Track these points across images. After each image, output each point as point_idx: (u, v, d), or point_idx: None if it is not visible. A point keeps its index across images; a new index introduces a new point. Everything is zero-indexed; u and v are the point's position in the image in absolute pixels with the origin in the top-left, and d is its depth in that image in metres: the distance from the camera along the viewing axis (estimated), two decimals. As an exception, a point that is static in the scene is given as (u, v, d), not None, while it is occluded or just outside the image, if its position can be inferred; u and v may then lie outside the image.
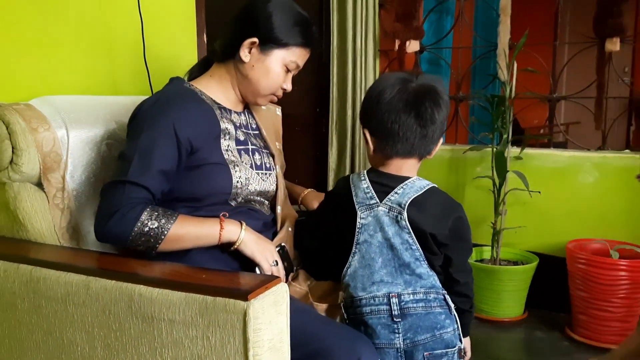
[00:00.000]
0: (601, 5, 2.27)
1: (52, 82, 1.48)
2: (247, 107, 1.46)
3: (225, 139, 1.29)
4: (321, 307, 1.32)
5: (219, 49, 1.36)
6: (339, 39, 2.63)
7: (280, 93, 1.38)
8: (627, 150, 2.38)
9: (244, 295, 0.90)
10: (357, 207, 1.21)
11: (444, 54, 3.01)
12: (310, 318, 1.20)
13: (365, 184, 1.23)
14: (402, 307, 1.17)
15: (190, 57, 1.91)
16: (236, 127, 1.35)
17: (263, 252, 1.25)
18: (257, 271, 1.24)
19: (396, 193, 1.20)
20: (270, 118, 1.53)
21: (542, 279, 2.40)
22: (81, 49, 1.57)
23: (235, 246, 1.22)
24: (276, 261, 1.27)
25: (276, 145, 1.50)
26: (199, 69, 1.41)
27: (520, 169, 2.38)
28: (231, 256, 1.25)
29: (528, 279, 2.39)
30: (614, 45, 2.25)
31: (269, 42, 1.29)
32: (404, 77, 1.20)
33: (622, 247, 2.20)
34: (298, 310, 1.18)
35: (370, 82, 2.64)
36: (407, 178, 1.22)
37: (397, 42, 2.70)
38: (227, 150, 1.28)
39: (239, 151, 1.31)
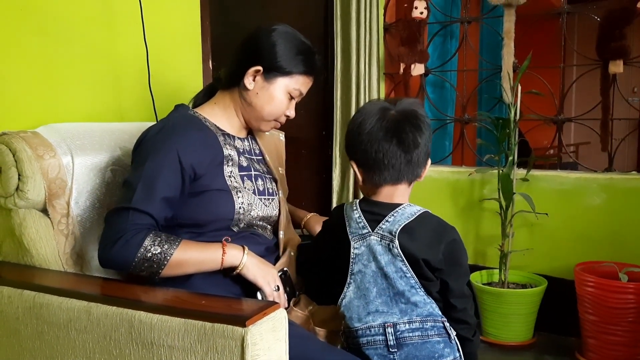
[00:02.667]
0: (603, 28, 2.28)
1: (59, 109, 1.52)
2: (251, 132, 1.48)
3: (228, 165, 1.30)
4: (322, 333, 1.31)
5: (223, 76, 1.39)
6: (343, 63, 2.66)
7: (283, 120, 1.40)
8: (634, 172, 2.37)
9: (242, 321, 0.91)
10: (350, 237, 1.21)
11: (449, 77, 3.03)
12: (310, 344, 1.20)
13: (357, 213, 1.23)
14: (397, 337, 1.15)
15: (195, 83, 1.94)
16: (239, 153, 1.37)
17: (265, 276, 1.25)
18: (259, 296, 1.24)
19: (387, 221, 1.19)
20: (274, 143, 1.55)
21: (551, 302, 2.37)
22: (88, 76, 1.60)
23: (238, 271, 1.22)
24: (278, 286, 1.27)
25: (279, 171, 1.51)
26: (203, 96, 1.44)
27: (527, 191, 2.37)
28: (233, 281, 1.26)
29: (537, 302, 2.36)
30: (617, 67, 2.26)
31: (273, 70, 1.32)
32: (382, 105, 1.21)
33: (631, 270, 2.17)
34: (298, 336, 1.18)
35: (375, 105, 2.66)
36: (398, 205, 1.21)
37: (402, 66, 2.72)
38: (230, 176, 1.29)
39: (241, 177, 1.33)
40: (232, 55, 1.37)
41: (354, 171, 1.24)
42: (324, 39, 2.72)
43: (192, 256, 1.18)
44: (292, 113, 1.40)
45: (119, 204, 1.17)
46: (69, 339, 1.05)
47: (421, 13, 2.67)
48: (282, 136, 1.61)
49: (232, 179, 1.30)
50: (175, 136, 1.23)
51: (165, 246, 1.14)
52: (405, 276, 1.17)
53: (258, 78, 1.33)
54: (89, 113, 1.59)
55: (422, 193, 2.80)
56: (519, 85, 2.37)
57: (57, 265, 1.24)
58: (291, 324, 1.26)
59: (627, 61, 2.28)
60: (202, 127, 1.31)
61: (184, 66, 1.89)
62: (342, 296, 1.22)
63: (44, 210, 1.25)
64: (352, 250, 1.20)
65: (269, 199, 1.38)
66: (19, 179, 1.21)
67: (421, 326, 1.16)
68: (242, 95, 1.36)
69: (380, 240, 1.19)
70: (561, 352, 2.32)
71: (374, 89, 2.66)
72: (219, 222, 1.27)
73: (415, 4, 2.67)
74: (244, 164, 1.36)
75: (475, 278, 2.46)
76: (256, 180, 1.36)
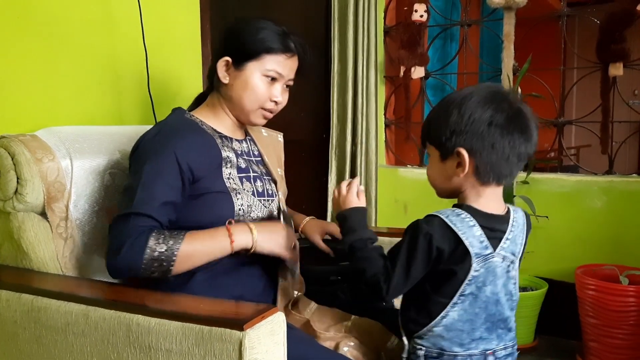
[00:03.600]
0: (604, 31, 2.28)
1: (58, 112, 1.52)
2: (248, 134, 1.47)
3: (226, 167, 1.30)
4: (323, 336, 1.31)
5: (208, 78, 1.40)
6: (340, 65, 2.67)
7: (270, 106, 1.34)
8: (634, 175, 2.37)
9: (240, 324, 0.90)
10: (473, 258, 1.04)
11: (449, 80, 3.03)
12: (309, 348, 1.20)
13: (478, 230, 1.05)
14: None
15: (195, 87, 1.94)
16: (237, 155, 1.36)
17: (281, 245, 1.26)
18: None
19: (507, 239, 1.08)
20: (272, 144, 1.54)
21: (552, 305, 2.37)
22: (87, 80, 1.60)
23: (252, 251, 1.22)
24: (294, 244, 1.32)
25: (278, 172, 1.51)
26: (199, 100, 1.43)
27: (527, 194, 2.36)
28: (234, 283, 1.26)
29: (538, 305, 2.36)
30: (617, 70, 2.26)
31: (240, 57, 1.30)
32: (500, 94, 1.07)
33: (632, 273, 2.16)
34: (297, 339, 1.18)
35: (373, 108, 2.66)
36: (508, 216, 1.11)
37: (403, 69, 2.73)
38: (228, 178, 1.29)
39: (240, 179, 1.32)
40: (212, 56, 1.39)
41: (464, 165, 1.06)
42: (324, 43, 2.72)
43: (198, 248, 1.17)
44: (279, 97, 1.34)
45: (120, 212, 1.16)
46: (66, 343, 1.05)
47: (421, 16, 2.67)
48: (280, 137, 1.61)
49: (231, 180, 1.29)
50: (173, 139, 1.23)
51: (170, 242, 1.13)
52: (512, 299, 1.10)
53: (230, 70, 1.31)
54: (88, 116, 1.59)
55: (424, 196, 2.80)
56: (519, 88, 2.36)
57: (56, 269, 1.24)
58: (290, 327, 1.26)
59: (627, 64, 2.28)
60: (199, 130, 1.31)
61: (183, 69, 1.88)
62: (442, 314, 1.07)
63: (43, 214, 1.25)
64: (471, 271, 1.04)
65: (268, 200, 1.38)
66: (17, 182, 1.20)
67: (512, 351, 1.12)
68: (222, 92, 1.35)
69: (502, 262, 1.07)
70: (562, 355, 2.31)
71: (372, 92, 2.66)
72: (219, 225, 1.27)
73: (415, 7, 2.67)
74: (243, 165, 1.36)
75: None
76: (255, 181, 1.36)
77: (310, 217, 1.60)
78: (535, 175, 2.48)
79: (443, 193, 1.15)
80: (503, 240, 1.07)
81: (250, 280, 1.31)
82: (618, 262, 2.26)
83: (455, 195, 1.13)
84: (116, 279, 1.16)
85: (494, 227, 1.07)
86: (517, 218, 1.12)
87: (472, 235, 1.04)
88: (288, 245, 1.27)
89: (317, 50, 2.73)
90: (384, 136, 2.88)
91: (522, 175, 2.44)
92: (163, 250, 1.12)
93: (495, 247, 1.06)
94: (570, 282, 2.30)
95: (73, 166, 1.30)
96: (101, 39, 1.63)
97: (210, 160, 1.27)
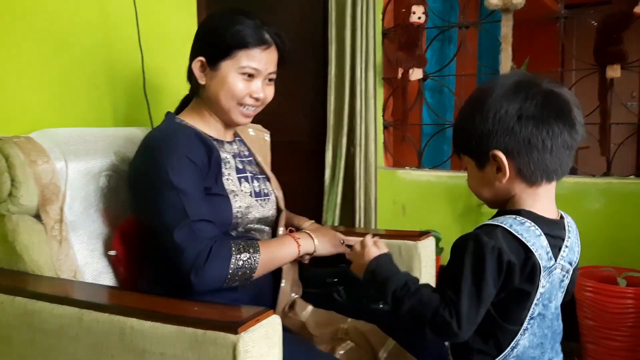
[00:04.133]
0: (601, 32, 2.28)
1: (53, 114, 1.51)
2: (237, 134, 1.46)
3: (226, 168, 1.30)
4: (319, 339, 1.30)
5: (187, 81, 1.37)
6: (337, 68, 2.66)
7: (250, 102, 1.30)
8: (632, 177, 2.36)
9: (234, 328, 0.90)
10: (542, 272, 0.93)
11: (447, 82, 3.03)
12: (305, 351, 1.19)
13: (544, 240, 0.94)
14: None
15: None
16: (233, 157, 1.36)
17: (335, 245, 1.39)
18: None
19: (566, 247, 0.98)
20: (259, 143, 1.53)
21: (550, 308, 2.36)
22: (82, 81, 1.59)
23: (312, 255, 1.35)
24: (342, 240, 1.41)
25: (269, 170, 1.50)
26: (183, 104, 1.41)
27: (525, 196, 2.35)
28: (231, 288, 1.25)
29: (535, 308, 2.35)
30: (614, 72, 2.25)
31: (214, 56, 1.26)
32: (525, 81, 0.96)
33: (630, 275, 2.16)
34: (293, 342, 1.17)
35: (372, 110, 2.66)
36: (563, 221, 1.01)
37: (401, 70, 2.72)
38: (228, 179, 1.29)
39: (239, 179, 1.32)
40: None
41: (504, 169, 0.95)
42: (322, 45, 2.72)
43: (274, 255, 1.24)
44: (259, 93, 1.29)
45: (175, 226, 1.12)
46: (60, 346, 1.04)
47: (419, 18, 2.66)
48: (267, 136, 1.60)
49: (230, 182, 1.29)
50: (178, 143, 1.21)
51: (251, 250, 1.17)
52: (560, 310, 1.02)
53: (206, 70, 1.28)
54: (83, 118, 1.58)
55: (422, 197, 2.80)
56: (517, 89, 2.36)
57: (50, 272, 1.23)
58: (286, 329, 1.25)
59: (624, 66, 2.27)
60: (195, 135, 1.29)
61: (180, 71, 1.87)
62: (512, 344, 0.96)
63: (37, 216, 1.24)
64: (539, 289, 0.93)
65: (264, 200, 1.37)
66: (11, 184, 1.20)
67: None
68: (201, 94, 1.32)
69: (560, 272, 0.98)
70: (560, 357, 2.31)
71: (371, 93, 2.66)
72: (218, 227, 1.26)
73: (414, 9, 2.66)
74: (240, 166, 1.35)
75: (474, 283, 2.44)
76: (252, 182, 1.36)
77: (311, 221, 1.58)
78: (533, 177, 2.47)
79: (493, 203, 1.03)
80: (562, 248, 0.97)
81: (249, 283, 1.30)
82: (616, 264, 2.26)
83: (506, 203, 1.00)
84: (199, 291, 1.13)
85: (556, 235, 0.97)
86: (570, 222, 1.03)
87: (540, 246, 0.92)
88: (338, 243, 1.40)
89: (314, 52, 2.72)
90: (382, 138, 2.87)
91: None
92: (246, 258, 1.16)
93: (556, 257, 0.96)
94: (569, 284, 2.29)
95: (68, 168, 1.29)
96: (97, 40, 1.63)
97: (212, 161, 1.25)
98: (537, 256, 0.92)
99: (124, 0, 1.69)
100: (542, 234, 0.94)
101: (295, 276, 1.44)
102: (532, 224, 0.94)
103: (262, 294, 1.34)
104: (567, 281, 1.00)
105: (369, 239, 1.12)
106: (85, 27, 1.60)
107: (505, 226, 0.93)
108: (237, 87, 1.27)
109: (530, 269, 0.92)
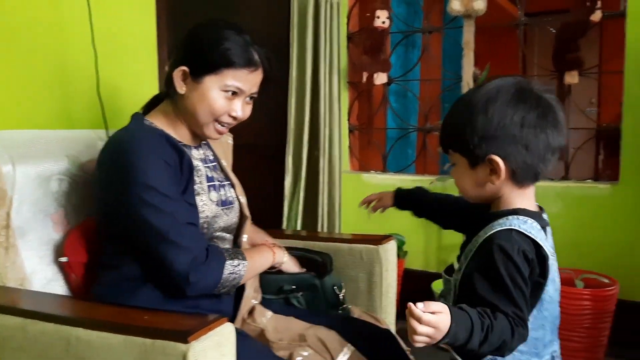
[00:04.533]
0: (559, 40, 2.33)
1: (1, 116, 1.46)
2: (201, 139, 1.43)
3: (198, 176, 1.27)
4: (277, 346, 1.29)
5: (164, 85, 1.33)
6: (298, 70, 2.65)
7: (227, 120, 1.27)
8: (589, 180, 2.42)
9: (184, 337, 0.88)
10: (550, 265, 0.99)
11: (411, 86, 3.05)
12: (263, 358, 1.18)
13: (542, 233, 1.01)
14: None
15: (151, 91, 1.85)
16: (202, 162, 1.33)
17: (295, 264, 1.48)
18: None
19: (549, 233, 1.06)
20: (222, 147, 1.50)
21: (511, 310, 2.39)
22: (34, 81, 1.55)
23: (279, 267, 1.42)
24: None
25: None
26: (150, 106, 1.36)
27: (487, 200, 2.39)
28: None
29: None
30: (572, 78, 2.30)
31: (198, 69, 1.22)
32: (526, 90, 1.00)
33: (587, 277, 2.20)
34: (250, 349, 1.16)
35: (336, 113, 2.66)
36: (542, 210, 1.08)
37: (365, 75, 2.73)
38: (198, 187, 1.25)
39: (209, 188, 1.29)
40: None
41: (499, 172, 0.99)
42: (286, 47, 2.70)
43: (256, 264, 1.28)
44: (238, 112, 1.26)
45: (164, 232, 1.10)
46: (3, 357, 1.00)
47: (383, 22, 2.68)
48: (230, 139, 1.56)
49: (200, 190, 1.26)
50: (153, 146, 1.18)
51: (240, 257, 1.20)
52: (559, 290, 1.05)
53: (188, 80, 1.23)
54: (34, 120, 1.53)
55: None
56: (478, 95, 2.39)
57: (-3, 280, 1.18)
58: (244, 336, 1.24)
59: (582, 72, 2.33)
60: (167, 137, 1.24)
61: (137, 73, 1.84)
62: None
63: (-18, 222, 1.20)
64: (550, 274, 0.99)
65: (229, 208, 1.35)
66: (-45, 189, 1.15)
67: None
68: (178, 102, 1.27)
69: (552, 257, 1.02)
70: (521, 359, 2.33)
71: (335, 97, 2.66)
72: None
73: (378, 13, 2.68)
74: (209, 174, 1.32)
75: (439, 286, 2.46)
76: (219, 190, 1.33)
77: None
78: (495, 181, 2.50)
79: (477, 200, 1.08)
80: (547, 234, 1.03)
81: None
82: (574, 266, 2.30)
83: (491, 201, 1.06)
84: (191, 295, 1.13)
85: (544, 225, 1.03)
86: (543, 209, 1.10)
87: (543, 239, 0.99)
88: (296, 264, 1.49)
89: (278, 53, 2.69)
90: (347, 142, 2.87)
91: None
92: (236, 264, 1.18)
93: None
94: (529, 286, 2.33)
95: (16, 172, 1.25)
96: (49, 40, 1.58)
97: (183, 169, 1.22)
98: (545, 249, 0.97)
99: (78, -1, 1.64)
100: (541, 228, 1.00)
101: (256, 282, 1.43)
102: (532, 220, 0.99)
103: (222, 300, 1.32)
104: (556, 263, 1.05)
105: (427, 317, 0.87)
106: (36, 26, 1.55)
107: (516, 228, 0.97)
108: (218, 104, 1.23)
109: (541, 261, 0.97)
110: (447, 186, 2.59)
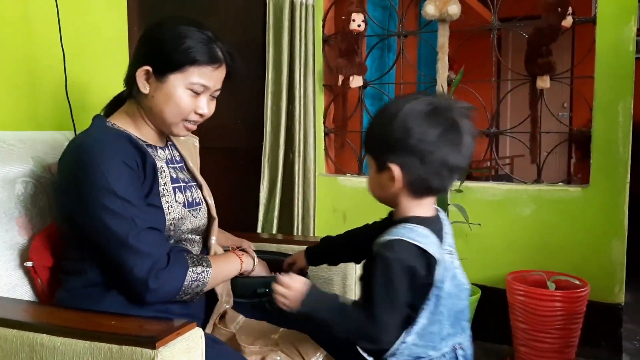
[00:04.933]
0: (531, 45, 2.36)
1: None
2: (169, 139, 1.41)
3: (162, 178, 1.24)
4: (248, 350, 1.27)
5: (124, 84, 1.30)
6: (274, 72, 2.64)
7: (194, 118, 1.26)
8: (561, 183, 2.45)
9: (152, 342, 0.86)
10: (437, 265, 1.06)
11: (387, 90, 3.06)
12: (235, 363, 1.16)
13: (433, 238, 1.08)
14: (468, 357, 1.13)
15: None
16: (167, 163, 1.31)
17: (265, 270, 1.44)
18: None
19: (446, 233, 1.13)
20: (189, 149, 1.48)
21: (485, 311, 2.41)
22: (-2, 81, 1.51)
23: (249, 273, 1.37)
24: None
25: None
26: (111, 106, 1.34)
27: (461, 202, 2.41)
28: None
29: (471, 311, 2.40)
30: (544, 82, 2.34)
31: (162, 67, 1.20)
32: (438, 108, 1.07)
33: (559, 278, 2.23)
34: (222, 354, 1.14)
35: (311, 116, 2.65)
36: (438, 213, 1.16)
37: (341, 78, 2.73)
38: (163, 189, 1.23)
39: (174, 189, 1.27)
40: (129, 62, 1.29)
41: (394, 180, 1.08)
42: (262, 49, 2.69)
43: (222, 271, 1.25)
44: (204, 110, 1.25)
45: (122, 236, 1.08)
46: (-37, 365, 0.97)
47: (359, 26, 2.68)
48: (196, 142, 1.55)
49: (165, 191, 1.24)
50: (114, 149, 1.15)
51: (204, 264, 1.18)
52: (464, 288, 1.13)
53: (151, 79, 1.21)
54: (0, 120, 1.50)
55: (363, 204, 2.81)
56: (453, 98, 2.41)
57: (-43, 285, 1.15)
58: (216, 341, 1.22)
59: (553, 77, 2.36)
60: (127, 139, 1.22)
61: (108, 73, 1.79)
62: (414, 323, 1.07)
63: (-57, 226, 1.16)
64: (436, 276, 1.06)
65: (196, 209, 1.33)
66: None
67: (470, 342, 1.16)
68: (142, 102, 1.25)
69: (449, 256, 1.10)
70: (495, 359, 2.36)
71: (310, 100, 2.65)
72: None
73: (353, 16, 2.68)
74: (174, 175, 1.30)
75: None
76: (185, 191, 1.31)
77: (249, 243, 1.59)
78: (469, 184, 2.53)
79: (381, 201, 1.18)
80: (444, 236, 1.12)
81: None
82: (546, 268, 2.33)
83: (393, 204, 1.15)
84: (151, 302, 1.11)
85: (437, 229, 1.11)
86: (441, 212, 1.18)
87: (431, 243, 1.06)
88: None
89: (254, 55, 2.69)
90: (323, 144, 2.87)
91: (455, 183, 2.49)
92: (200, 271, 1.16)
93: (442, 245, 1.10)
94: (502, 288, 2.35)
95: (-22, 174, 1.21)
96: (16, 39, 1.54)
97: (147, 171, 1.20)
98: (431, 252, 1.05)
99: (47, -3, 1.60)
100: (430, 233, 1.07)
101: (228, 287, 1.41)
102: (423, 227, 1.08)
103: (193, 305, 1.30)
104: (457, 261, 1.13)
105: (284, 279, 1.15)
106: (2, 24, 1.51)
107: (401, 237, 1.05)
108: (184, 102, 1.22)
109: (427, 265, 1.05)
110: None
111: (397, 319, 1.06)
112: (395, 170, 1.07)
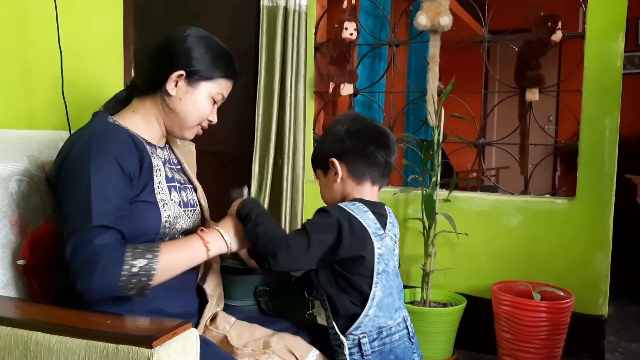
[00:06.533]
0: (521, 57, 2.40)
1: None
2: (168, 141, 1.43)
3: (157, 176, 1.26)
4: (241, 352, 1.27)
5: (140, 83, 1.33)
6: (267, 78, 2.65)
7: (205, 125, 1.37)
8: (547, 195, 2.49)
9: (149, 342, 0.86)
10: (372, 237, 1.25)
11: (377, 98, 3.09)
12: (226, 365, 1.16)
13: (371, 215, 1.27)
14: (412, 327, 1.31)
15: (116, 92, 1.85)
16: (164, 163, 1.32)
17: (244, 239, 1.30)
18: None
19: (390, 222, 1.32)
20: (186, 154, 1.50)
21: (470, 321, 2.43)
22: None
23: (233, 253, 1.30)
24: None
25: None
26: (116, 104, 1.36)
27: (449, 212, 2.43)
28: (149, 296, 1.20)
29: (457, 321, 2.41)
30: (533, 95, 2.38)
31: (195, 74, 1.28)
32: (359, 117, 1.37)
33: (544, 289, 2.26)
34: (214, 356, 1.14)
35: (301, 123, 2.67)
36: (384, 205, 1.35)
37: (332, 85, 2.75)
38: (158, 187, 1.25)
39: (169, 188, 1.28)
40: (147, 61, 1.34)
41: (337, 169, 1.31)
42: (254, 54, 2.70)
43: (177, 258, 1.17)
44: (214, 118, 1.37)
45: (75, 231, 1.07)
46: (-45, 363, 0.96)
47: (351, 34, 2.71)
48: (193, 148, 1.59)
49: (160, 189, 1.25)
50: (110, 144, 1.17)
51: (149, 255, 1.10)
52: (399, 273, 1.33)
53: (181, 83, 1.28)
54: (-5, 118, 1.49)
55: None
56: (443, 108, 2.44)
57: (-51, 282, 1.13)
58: (207, 343, 1.23)
59: (542, 90, 2.40)
60: (129, 136, 1.25)
61: (103, 74, 1.80)
62: (371, 296, 1.23)
63: (-64, 222, 1.15)
64: (375, 250, 1.24)
65: (191, 211, 1.35)
66: None
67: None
68: (165, 102, 1.30)
69: (390, 241, 1.30)
70: (479, 369, 2.38)
71: (301, 106, 2.67)
72: (144, 237, 1.21)
73: (346, 24, 2.71)
74: (169, 174, 1.32)
75: (399, 297, 2.48)
76: (180, 191, 1.32)
77: None
78: (457, 194, 2.55)
79: (333, 202, 1.33)
80: (387, 223, 1.31)
81: (170, 293, 1.24)
82: (531, 279, 2.36)
83: (342, 201, 1.32)
84: (90, 301, 1.06)
85: (380, 212, 1.30)
86: (388, 208, 1.36)
87: (368, 218, 1.25)
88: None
89: (246, 60, 2.70)
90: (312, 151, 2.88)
91: (444, 193, 2.51)
92: (142, 264, 1.08)
93: (384, 229, 1.29)
94: (488, 297, 2.38)
95: (-28, 172, 1.20)
96: (12, 38, 1.53)
97: (144, 167, 1.22)
98: (365, 225, 1.24)
99: (44, -3, 1.60)
100: (368, 210, 1.27)
101: (220, 289, 1.42)
102: (360, 204, 1.28)
103: (187, 303, 1.31)
104: (397, 250, 1.33)
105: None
106: (-1, 23, 1.50)
107: (341, 206, 1.27)
108: (206, 110, 1.33)
109: (359, 232, 1.23)
110: (410, 198, 2.63)
111: (301, 252, 1.20)
112: (336, 162, 1.31)
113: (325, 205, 1.34)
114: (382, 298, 1.23)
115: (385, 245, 1.27)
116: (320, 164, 1.36)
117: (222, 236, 1.25)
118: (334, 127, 1.35)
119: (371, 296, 1.22)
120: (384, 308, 1.24)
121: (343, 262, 1.23)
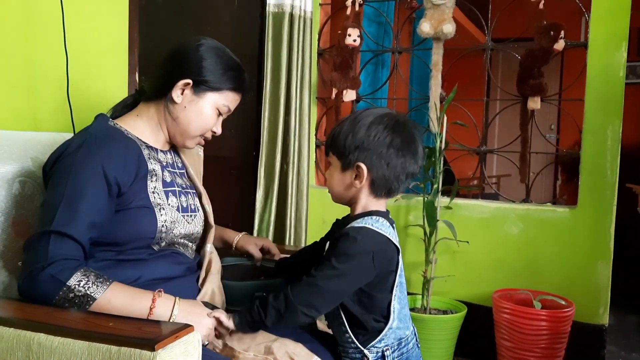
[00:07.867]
0: (523, 66, 2.41)
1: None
2: (173, 145, 1.43)
3: (152, 181, 1.26)
4: (242, 356, 1.27)
5: (148, 88, 1.34)
6: (272, 84, 2.65)
7: (209, 136, 1.37)
8: (548, 204, 2.49)
9: (152, 344, 0.86)
10: (400, 253, 1.24)
11: (379, 104, 3.09)
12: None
13: (392, 229, 1.23)
14: (417, 334, 1.31)
15: (120, 96, 1.82)
16: (163, 167, 1.32)
17: (197, 328, 1.09)
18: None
19: (397, 236, 1.26)
20: (193, 157, 1.51)
21: (471, 328, 2.43)
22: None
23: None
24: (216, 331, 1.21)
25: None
26: (123, 108, 1.37)
27: (450, 219, 2.43)
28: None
29: (457, 328, 2.41)
30: (535, 103, 2.38)
31: (202, 84, 1.29)
32: (401, 122, 1.23)
33: (545, 298, 2.26)
34: (215, 360, 1.14)
35: (306, 127, 2.67)
36: (389, 212, 1.29)
37: (335, 91, 2.76)
38: (153, 192, 1.25)
39: (165, 193, 1.28)
40: (158, 67, 1.34)
41: (362, 178, 1.20)
42: (257, 60, 2.71)
43: (117, 304, 1.07)
44: (218, 130, 1.37)
45: (38, 229, 1.09)
46: (-43, 363, 0.96)
47: (354, 40, 2.72)
48: (200, 151, 1.59)
49: (156, 194, 1.25)
50: (99, 150, 1.17)
51: (91, 289, 1.04)
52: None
53: (187, 92, 1.29)
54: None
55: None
56: (445, 116, 2.45)
57: (-48, 283, 1.14)
58: (207, 347, 1.22)
59: (544, 98, 2.41)
60: (126, 140, 1.25)
61: (108, 77, 1.80)
62: (392, 309, 1.21)
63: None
64: (400, 264, 1.23)
65: (191, 216, 1.34)
66: None
67: None
68: (169, 109, 1.31)
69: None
70: (478, 377, 2.37)
71: (305, 112, 2.67)
72: (140, 241, 1.22)
73: (349, 31, 2.72)
74: (168, 179, 1.32)
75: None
76: (179, 196, 1.32)
77: (243, 232, 1.63)
78: (458, 201, 2.56)
79: (339, 200, 1.29)
80: (395, 232, 1.26)
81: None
82: (532, 287, 2.36)
83: (350, 203, 1.27)
84: (24, 298, 1.07)
85: (392, 223, 1.26)
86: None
87: (393, 234, 1.22)
88: (204, 330, 1.15)
89: (250, 66, 2.71)
90: (314, 157, 2.89)
91: (445, 200, 2.51)
92: (80, 294, 1.04)
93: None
94: (488, 305, 2.37)
95: (-23, 173, 1.21)
96: (18, 39, 1.54)
97: (135, 172, 1.22)
98: (395, 242, 1.21)
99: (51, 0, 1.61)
100: (390, 225, 1.23)
101: (222, 296, 1.41)
102: (384, 219, 1.22)
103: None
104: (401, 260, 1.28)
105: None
106: (4, 24, 1.50)
107: (368, 225, 1.19)
108: (210, 121, 1.33)
109: (391, 252, 1.20)
110: (411, 204, 2.63)
111: (342, 292, 1.18)
112: (364, 169, 1.19)
113: (331, 194, 1.28)
114: (400, 310, 1.23)
115: (400, 257, 1.25)
116: (343, 155, 1.22)
117: (174, 306, 1.12)
118: (378, 130, 1.18)
119: (392, 309, 1.22)
120: (402, 319, 1.24)
121: (371, 281, 1.20)
